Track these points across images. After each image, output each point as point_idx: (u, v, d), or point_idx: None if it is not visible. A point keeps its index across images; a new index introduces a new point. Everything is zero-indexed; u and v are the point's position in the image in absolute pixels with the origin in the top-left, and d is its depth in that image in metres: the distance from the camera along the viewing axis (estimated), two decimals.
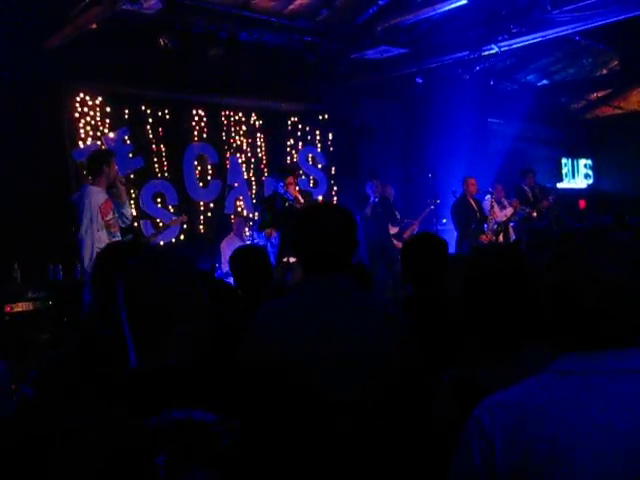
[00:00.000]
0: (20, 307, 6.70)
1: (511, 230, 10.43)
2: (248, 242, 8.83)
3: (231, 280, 8.29)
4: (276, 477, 1.64)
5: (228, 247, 9.09)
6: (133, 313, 1.71)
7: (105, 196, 6.56)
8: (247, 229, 9.86)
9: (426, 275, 3.51)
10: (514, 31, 8.83)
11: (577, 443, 1.38)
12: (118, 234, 6.69)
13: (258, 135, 10.48)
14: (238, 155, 10.23)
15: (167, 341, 1.68)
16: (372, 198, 9.50)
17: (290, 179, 8.02)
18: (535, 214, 10.63)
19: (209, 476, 1.51)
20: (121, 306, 1.73)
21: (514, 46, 9.45)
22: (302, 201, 7.88)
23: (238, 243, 9.04)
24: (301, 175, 10.93)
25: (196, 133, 9.79)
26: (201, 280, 1.84)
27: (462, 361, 2.12)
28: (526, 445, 1.40)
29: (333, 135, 11.35)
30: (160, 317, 1.68)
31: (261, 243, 7.95)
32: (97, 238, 6.35)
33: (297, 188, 8.15)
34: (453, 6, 8.31)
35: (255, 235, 8.52)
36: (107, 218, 6.52)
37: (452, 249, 10.23)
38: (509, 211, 10.52)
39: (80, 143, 8.56)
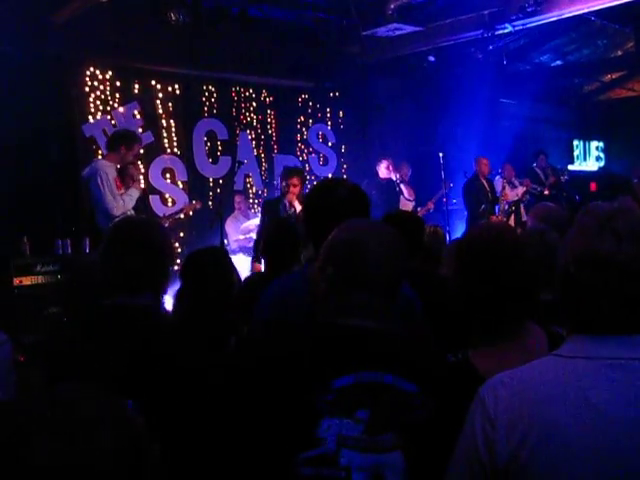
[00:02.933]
0: (29, 280, 6.72)
1: (523, 210, 10.37)
2: (255, 219, 8.82)
3: (240, 256, 8.37)
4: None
5: (233, 225, 9.09)
6: (338, 273, 1.81)
7: (115, 173, 6.69)
8: (256, 206, 9.86)
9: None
10: (529, 10, 8.72)
11: (575, 428, 1.36)
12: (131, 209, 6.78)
13: (268, 112, 10.43)
14: (248, 132, 10.19)
15: (366, 302, 1.77)
16: (395, 180, 9.45)
17: (294, 180, 6.87)
18: (547, 192, 10.58)
19: (401, 442, 1.57)
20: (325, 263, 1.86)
21: (529, 25, 9.34)
22: (298, 211, 6.62)
23: (243, 221, 9.04)
24: (311, 153, 10.90)
25: (206, 109, 9.74)
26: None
27: (458, 344, 2.10)
28: (525, 425, 1.40)
29: (344, 113, 11.29)
30: (364, 280, 1.77)
31: None
32: (119, 209, 6.50)
33: (297, 194, 6.88)
34: None
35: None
36: (119, 192, 6.66)
37: (462, 230, 10.20)
38: (520, 190, 10.46)
39: (90, 117, 8.54)
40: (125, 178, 6.88)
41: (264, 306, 2.50)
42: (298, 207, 6.61)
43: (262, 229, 6.73)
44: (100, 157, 6.85)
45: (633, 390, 1.38)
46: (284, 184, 6.89)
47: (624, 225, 1.43)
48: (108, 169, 6.59)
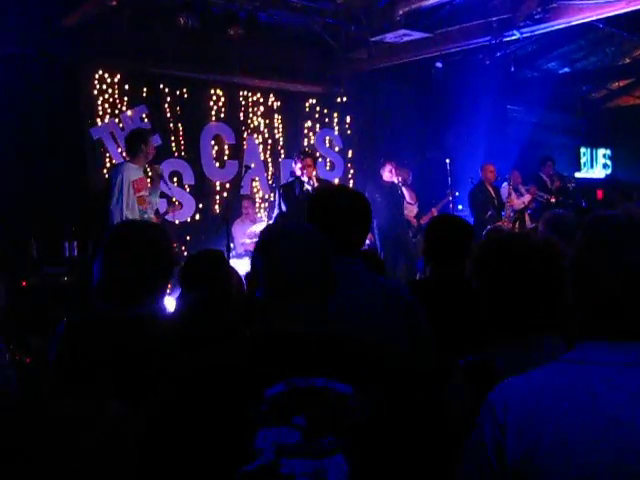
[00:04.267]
0: (35, 282, 6.75)
1: (527, 218, 10.37)
2: (261, 223, 8.84)
3: (246, 260, 8.39)
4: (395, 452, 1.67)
5: (239, 230, 9.10)
6: (271, 284, 1.77)
7: (141, 174, 6.77)
8: (262, 210, 9.88)
9: (447, 258, 3.47)
10: (537, 17, 8.72)
11: (585, 434, 1.36)
12: (149, 212, 6.81)
13: (275, 116, 10.45)
14: (255, 136, 10.21)
15: (301, 310, 1.73)
16: (397, 184, 9.47)
17: (308, 161, 7.81)
18: (553, 200, 10.57)
19: (342, 445, 1.56)
20: (259, 274, 1.80)
21: (537, 32, 9.35)
22: (315, 183, 7.69)
23: (249, 225, 9.05)
24: (318, 158, 10.91)
25: (214, 113, 9.77)
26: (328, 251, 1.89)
27: (480, 346, 2.11)
28: (536, 431, 1.39)
29: (351, 118, 11.29)
30: (294, 286, 1.74)
31: None
32: (125, 214, 6.51)
33: (314, 173, 7.86)
34: None
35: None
36: (140, 194, 6.69)
37: None
38: (527, 198, 10.45)
39: (98, 120, 8.57)
40: (153, 178, 7.02)
41: None
42: (316, 183, 7.61)
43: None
44: (127, 160, 7.02)
45: None
46: (299, 165, 7.77)
47: None
48: (128, 171, 6.71)
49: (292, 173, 8.30)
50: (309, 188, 7.63)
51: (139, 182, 6.74)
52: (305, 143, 10.77)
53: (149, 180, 7.05)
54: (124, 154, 8.52)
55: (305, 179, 7.70)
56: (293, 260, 1.73)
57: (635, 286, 1.42)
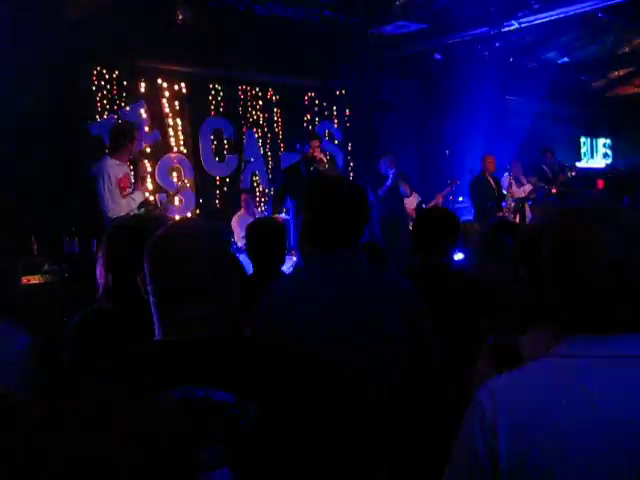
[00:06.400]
0: (36, 279, 6.72)
1: (527, 209, 10.35)
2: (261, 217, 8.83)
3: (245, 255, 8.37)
4: (291, 457, 1.62)
5: (238, 224, 9.09)
6: (160, 287, 1.69)
7: (125, 170, 6.66)
8: (262, 205, 9.87)
9: (435, 246, 3.55)
10: (535, 7, 8.71)
11: (580, 431, 1.34)
12: (134, 209, 6.74)
13: (275, 110, 10.43)
14: (255, 130, 10.20)
15: (196, 315, 1.66)
16: (389, 176, 9.43)
17: (315, 142, 8.16)
18: (555, 190, 10.55)
19: (226, 455, 1.51)
20: (147, 279, 1.71)
21: (535, 22, 9.31)
22: (326, 162, 7.99)
23: (249, 219, 9.03)
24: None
25: (212, 107, 9.76)
26: (230, 249, 1.82)
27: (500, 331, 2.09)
28: (529, 430, 1.36)
29: (350, 111, 11.28)
30: (189, 291, 1.66)
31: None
32: (118, 211, 6.46)
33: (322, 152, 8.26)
34: None
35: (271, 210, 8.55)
36: (125, 192, 6.60)
37: None
38: (527, 188, 10.43)
39: (97, 116, 8.56)
40: (137, 177, 6.91)
41: (267, 309, 2.50)
42: (325, 160, 8.13)
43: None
44: (110, 155, 6.80)
45: (637, 388, 1.36)
46: (307, 147, 8.18)
47: (624, 228, 1.42)
48: (113, 169, 6.56)
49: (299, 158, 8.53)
50: (319, 167, 8.04)
51: (124, 180, 6.60)
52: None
53: (141, 180, 6.95)
54: None
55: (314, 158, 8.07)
56: (198, 267, 1.65)
57: (617, 277, 1.40)
